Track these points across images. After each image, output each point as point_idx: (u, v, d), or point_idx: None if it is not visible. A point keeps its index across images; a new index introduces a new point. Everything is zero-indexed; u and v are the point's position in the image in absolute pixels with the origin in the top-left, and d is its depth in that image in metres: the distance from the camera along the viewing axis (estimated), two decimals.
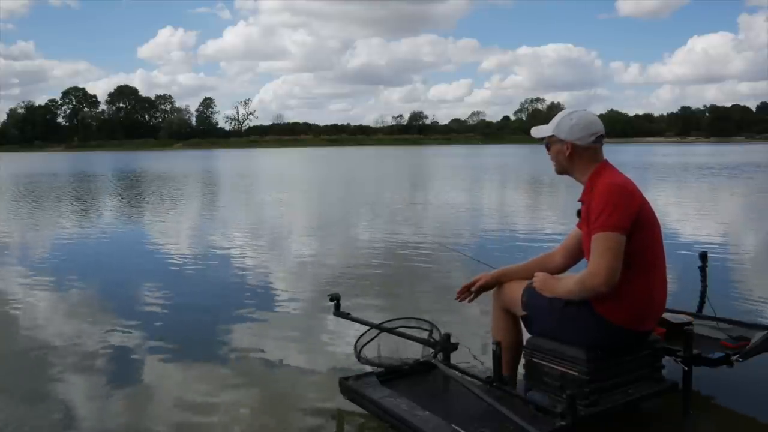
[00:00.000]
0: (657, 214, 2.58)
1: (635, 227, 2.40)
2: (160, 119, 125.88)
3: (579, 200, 2.63)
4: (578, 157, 2.59)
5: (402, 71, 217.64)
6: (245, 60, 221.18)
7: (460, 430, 2.28)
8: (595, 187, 2.51)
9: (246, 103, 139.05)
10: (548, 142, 2.66)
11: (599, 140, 2.59)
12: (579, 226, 2.71)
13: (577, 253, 2.76)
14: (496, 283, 2.83)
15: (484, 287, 2.84)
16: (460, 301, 2.92)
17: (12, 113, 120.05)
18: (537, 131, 2.73)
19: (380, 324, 3.11)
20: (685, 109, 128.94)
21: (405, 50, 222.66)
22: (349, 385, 2.78)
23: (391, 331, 3.08)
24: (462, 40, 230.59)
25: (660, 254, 2.55)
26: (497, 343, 2.59)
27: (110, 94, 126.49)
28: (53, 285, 5.68)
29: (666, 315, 2.94)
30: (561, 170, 2.67)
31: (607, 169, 2.57)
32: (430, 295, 5.12)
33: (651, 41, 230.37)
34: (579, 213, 2.66)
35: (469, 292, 2.88)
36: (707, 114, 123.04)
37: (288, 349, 3.81)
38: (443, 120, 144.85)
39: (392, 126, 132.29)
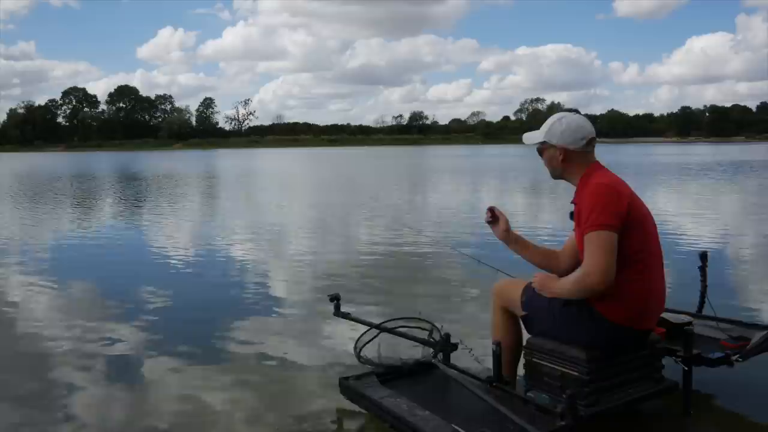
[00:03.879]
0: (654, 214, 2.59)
1: (627, 226, 2.41)
2: (160, 119, 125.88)
3: (572, 202, 2.64)
4: (570, 161, 2.60)
5: (401, 71, 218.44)
6: (245, 60, 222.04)
7: (460, 430, 2.28)
8: (585, 189, 2.52)
9: (246, 103, 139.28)
10: (541, 147, 2.66)
11: (591, 144, 2.60)
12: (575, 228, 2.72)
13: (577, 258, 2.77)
14: (507, 236, 2.86)
15: (496, 224, 2.89)
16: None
17: (12, 113, 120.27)
18: (528, 138, 2.73)
19: (380, 324, 3.12)
20: (685, 109, 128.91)
21: (404, 50, 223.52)
22: (349, 385, 2.78)
23: (391, 331, 3.08)
24: (461, 40, 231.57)
25: (657, 252, 2.55)
26: (497, 343, 2.59)
27: (110, 94, 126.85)
28: (54, 285, 5.68)
29: (666, 315, 2.94)
30: (556, 175, 2.69)
31: (597, 171, 2.58)
32: (430, 296, 5.12)
33: (649, 41, 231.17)
34: (572, 215, 2.67)
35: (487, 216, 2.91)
36: (707, 114, 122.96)
37: (288, 349, 3.81)
38: (443, 120, 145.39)
39: (392, 126, 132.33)
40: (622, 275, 2.38)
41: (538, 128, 2.69)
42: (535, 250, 2.88)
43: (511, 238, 2.88)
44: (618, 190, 2.47)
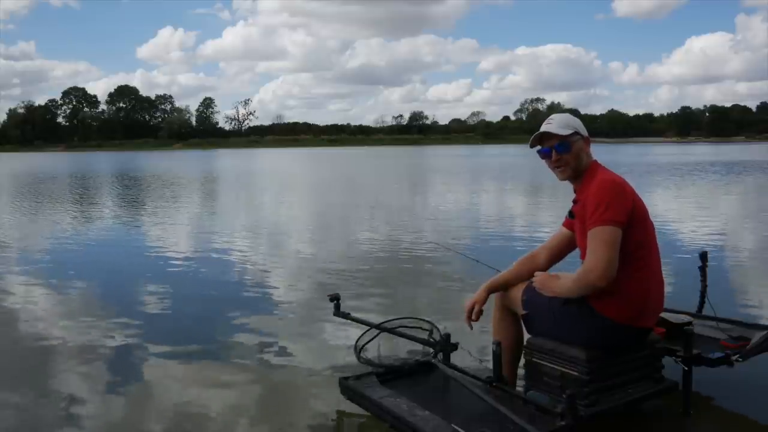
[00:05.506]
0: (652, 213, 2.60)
1: (630, 223, 2.42)
2: (160, 119, 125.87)
3: (573, 200, 2.64)
4: (590, 156, 2.62)
5: (401, 71, 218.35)
6: (245, 60, 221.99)
7: (460, 430, 2.27)
8: (589, 185, 2.52)
9: (246, 103, 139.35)
10: (567, 141, 2.56)
11: None
12: (568, 223, 2.74)
13: (561, 252, 2.80)
14: (488, 295, 2.80)
15: (482, 304, 2.79)
16: (471, 327, 2.82)
17: (12, 113, 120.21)
18: (560, 128, 2.56)
19: (380, 324, 3.11)
20: (685, 109, 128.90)
21: (404, 50, 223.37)
22: (349, 385, 2.78)
23: (391, 331, 3.08)
24: (461, 40, 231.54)
25: (654, 249, 2.56)
26: (497, 343, 2.59)
27: (110, 94, 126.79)
28: (54, 285, 5.68)
29: (666, 315, 2.94)
30: (577, 171, 2.60)
31: (599, 168, 2.60)
32: (430, 295, 5.12)
33: (649, 41, 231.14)
34: (571, 213, 2.67)
35: (473, 316, 2.78)
36: (707, 114, 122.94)
37: (288, 349, 3.81)
38: (443, 120, 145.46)
39: (392, 126, 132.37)
40: (622, 272, 2.39)
41: (538, 128, 2.68)
42: (517, 273, 2.80)
43: (489, 290, 2.80)
44: (623, 187, 2.48)
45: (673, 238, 7.61)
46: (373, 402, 2.61)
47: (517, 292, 2.71)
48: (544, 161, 2.68)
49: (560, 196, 12.59)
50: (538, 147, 2.66)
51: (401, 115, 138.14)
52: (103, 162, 45.35)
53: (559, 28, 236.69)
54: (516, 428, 2.24)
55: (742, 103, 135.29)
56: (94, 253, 7.55)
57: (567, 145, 2.57)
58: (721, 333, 3.05)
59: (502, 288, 2.80)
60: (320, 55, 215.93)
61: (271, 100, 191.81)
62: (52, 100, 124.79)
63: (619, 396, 2.53)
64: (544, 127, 2.63)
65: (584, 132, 2.62)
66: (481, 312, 2.78)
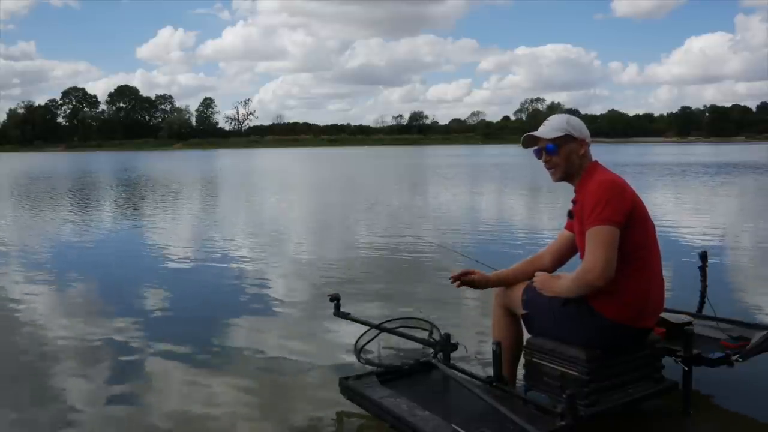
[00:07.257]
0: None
1: (629, 223, 2.42)
2: (160, 119, 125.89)
3: (572, 200, 2.64)
4: (586, 156, 2.62)
5: (401, 71, 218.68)
6: (244, 60, 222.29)
7: (460, 430, 2.28)
8: (587, 186, 2.52)
9: (246, 103, 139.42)
10: (555, 144, 2.58)
11: None
12: (569, 225, 2.74)
13: (565, 255, 2.80)
14: (485, 284, 2.83)
15: (473, 284, 2.85)
16: (452, 283, 2.89)
17: (12, 113, 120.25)
18: (547, 132, 2.61)
19: (380, 324, 3.11)
20: (684, 109, 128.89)
21: (404, 50, 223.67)
22: (349, 385, 2.78)
23: (391, 331, 3.08)
24: (461, 40, 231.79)
25: (655, 250, 2.56)
26: (497, 343, 2.59)
27: (110, 94, 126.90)
28: (54, 286, 5.68)
29: (666, 315, 2.94)
30: (568, 173, 2.62)
31: (598, 168, 2.60)
32: (430, 295, 5.12)
33: (648, 41, 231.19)
34: (570, 213, 2.68)
35: (458, 281, 2.86)
36: (707, 114, 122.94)
37: (288, 349, 3.81)
38: (443, 120, 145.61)
39: (392, 126, 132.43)
40: (621, 272, 2.39)
41: (536, 129, 2.68)
42: (518, 272, 2.82)
43: (493, 282, 2.84)
44: (622, 187, 2.48)
45: (672, 238, 7.61)
46: (373, 402, 2.61)
47: (518, 292, 2.71)
48: (541, 161, 2.69)
49: (561, 197, 12.60)
50: (533, 147, 2.69)
51: (401, 115, 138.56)
52: (103, 162, 45.33)
53: (558, 28, 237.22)
54: (516, 428, 2.24)
55: (742, 103, 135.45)
56: (94, 254, 7.54)
57: (555, 147, 2.59)
58: (721, 333, 3.05)
59: (505, 282, 2.81)
60: (320, 55, 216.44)
61: (271, 100, 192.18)
62: (52, 100, 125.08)
63: (619, 396, 2.53)
64: (538, 131, 2.66)
65: (579, 134, 2.60)
66: (468, 284, 2.83)
